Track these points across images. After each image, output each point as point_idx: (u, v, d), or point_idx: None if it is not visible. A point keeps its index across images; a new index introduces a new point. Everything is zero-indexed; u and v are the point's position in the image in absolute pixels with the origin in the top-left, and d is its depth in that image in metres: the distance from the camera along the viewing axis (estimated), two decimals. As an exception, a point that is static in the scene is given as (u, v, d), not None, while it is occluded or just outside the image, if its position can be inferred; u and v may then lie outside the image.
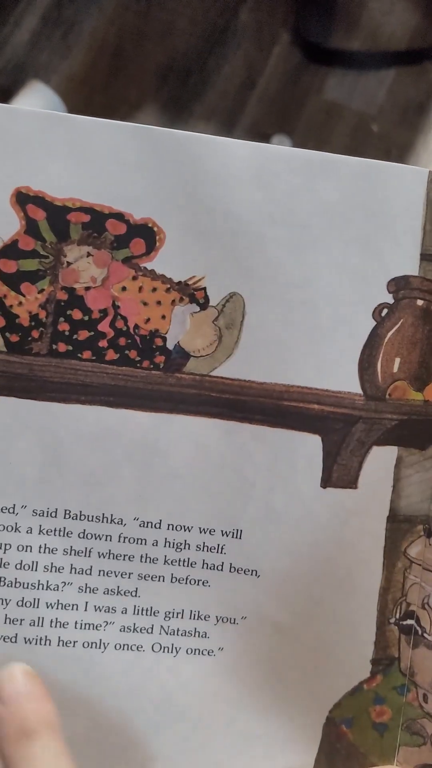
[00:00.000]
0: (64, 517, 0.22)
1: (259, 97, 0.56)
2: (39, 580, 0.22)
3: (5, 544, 0.22)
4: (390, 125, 0.55)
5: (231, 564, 0.23)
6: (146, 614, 0.22)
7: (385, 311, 0.22)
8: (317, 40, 0.55)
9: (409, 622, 0.24)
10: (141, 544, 0.22)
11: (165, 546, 0.22)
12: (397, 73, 0.56)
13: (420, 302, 0.22)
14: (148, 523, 0.22)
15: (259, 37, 0.56)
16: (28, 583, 0.22)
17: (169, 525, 0.22)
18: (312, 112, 0.55)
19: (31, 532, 0.22)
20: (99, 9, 0.56)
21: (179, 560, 0.22)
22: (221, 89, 0.55)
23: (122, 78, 0.56)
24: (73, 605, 0.22)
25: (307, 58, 0.56)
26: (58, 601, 0.22)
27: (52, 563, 0.22)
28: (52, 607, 0.22)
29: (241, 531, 0.22)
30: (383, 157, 0.55)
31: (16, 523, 0.22)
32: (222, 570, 0.22)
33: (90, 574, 0.22)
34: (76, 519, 0.22)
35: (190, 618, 0.23)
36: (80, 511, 0.22)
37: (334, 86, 0.56)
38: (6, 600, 0.22)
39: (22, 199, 0.20)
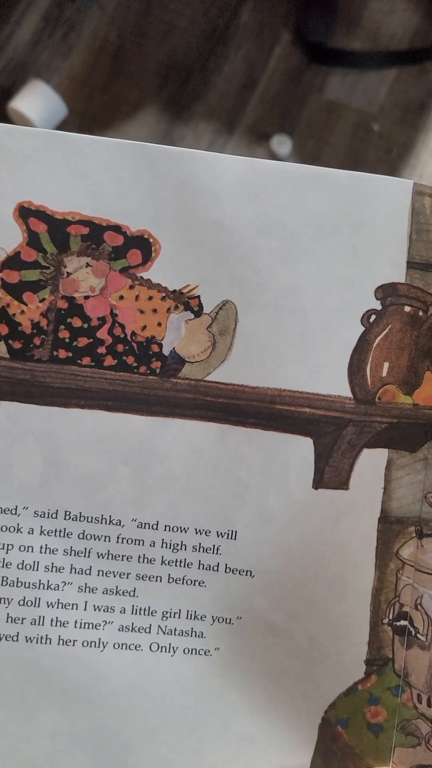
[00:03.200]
0: (65, 519, 0.24)
1: (260, 96, 0.58)
2: (40, 580, 0.24)
3: (7, 545, 0.23)
4: (391, 125, 0.57)
5: (226, 564, 0.24)
6: (144, 614, 0.24)
7: (373, 317, 0.24)
8: (318, 39, 0.57)
9: (403, 623, 0.25)
10: (139, 544, 0.24)
11: (162, 547, 0.24)
12: (398, 73, 0.58)
13: (407, 308, 0.24)
14: (145, 524, 0.24)
15: (260, 37, 0.58)
16: (29, 583, 0.24)
17: (165, 526, 0.24)
18: (313, 112, 0.57)
19: (32, 533, 0.24)
20: (100, 9, 0.58)
21: (176, 561, 0.24)
22: (222, 89, 0.58)
23: (123, 78, 0.58)
24: (73, 605, 0.24)
25: (308, 57, 0.58)
26: (59, 600, 0.24)
27: (52, 563, 0.24)
28: (53, 607, 0.24)
29: (235, 532, 0.24)
30: (384, 156, 0.57)
31: (17, 524, 0.23)
32: (217, 570, 0.24)
33: (89, 574, 0.24)
34: (76, 520, 0.24)
35: (187, 618, 0.24)
36: (80, 513, 0.24)
37: (335, 86, 0.58)
38: (8, 599, 0.23)
39: (25, 212, 0.23)
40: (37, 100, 0.55)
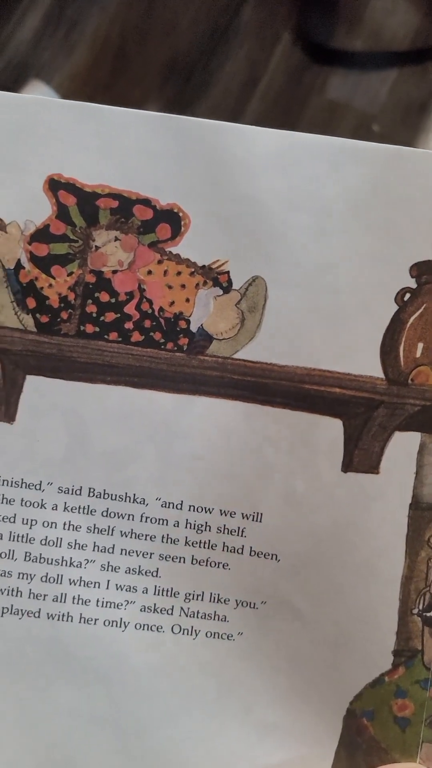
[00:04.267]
0: (89, 495, 0.24)
1: (261, 95, 0.58)
2: (63, 557, 0.24)
3: (31, 520, 0.24)
4: (392, 125, 0.57)
5: (251, 547, 0.24)
6: (167, 595, 0.24)
7: (407, 296, 0.23)
8: (320, 39, 0.58)
9: (433, 614, 0.25)
10: (162, 524, 0.24)
11: (186, 527, 0.24)
12: (399, 73, 0.58)
13: (443, 288, 0.24)
14: (169, 503, 0.24)
15: (262, 36, 0.59)
16: (52, 559, 0.24)
17: (190, 506, 0.24)
18: (314, 112, 0.58)
19: (56, 509, 0.24)
20: (101, 8, 0.59)
21: (200, 542, 0.24)
22: (223, 88, 0.58)
23: (125, 76, 0.58)
24: (95, 583, 0.24)
25: (310, 57, 0.58)
26: (81, 578, 0.24)
27: (75, 540, 0.24)
28: (75, 584, 0.24)
29: (261, 514, 0.24)
30: None
31: (42, 500, 0.24)
32: (242, 553, 0.24)
33: (112, 552, 0.24)
34: (100, 497, 0.24)
35: (210, 601, 0.24)
36: (104, 490, 0.24)
37: (336, 86, 0.58)
38: (31, 575, 0.24)
39: (54, 185, 0.23)
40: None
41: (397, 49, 0.58)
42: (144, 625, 0.24)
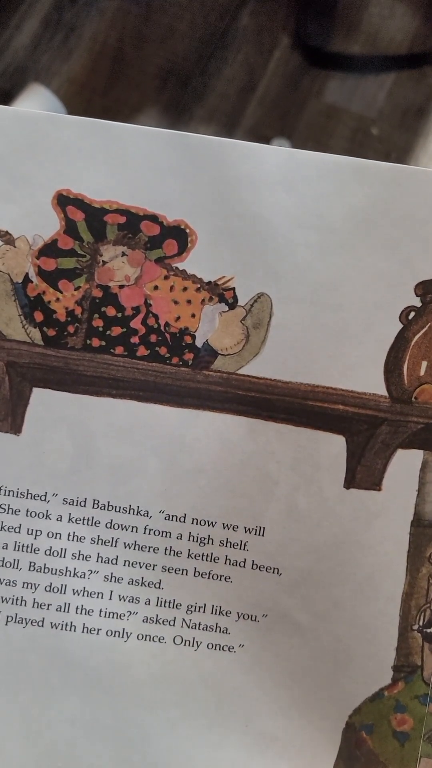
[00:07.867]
0: (93, 507, 0.24)
1: (259, 100, 0.59)
2: (67, 567, 0.24)
3: (36, 530, 0.24)
4: (390, 128, 0.57)
5: (253, 561, 0.25)
6: (169, 606, 0.25)
7: (412, 314, 0.24)
8: (317, 43, 0.59)
9: (434, 630, 0.25)
10: (166, 536, 0.25)
11: (189, 540, 0.25)
12: (397, 77, 0.58)
13: (448, 306, 0.24)
14: (173, 516, 0.24)
15: (260, 41, 0.59)
16: (56, 569, 0.24)
17: (193, 519, 0.25)
18: (312, 115, 0.58)
19: (60, 520, 0.24)
20: (99, 13, 0.59)
21: (202, 555, 0.25)
22: (221, 92, 0.59)
23: (123, 81, 0.59)
24: (98, 593, 0.24)
25: (307, 61, 0.59)
26: (84, 588, 0.24)
27: (79, 551, 0.24)
28: (79, 594, 0.24)
29: (263, 528, 0.25)
30: (383, 160, 0.57)
31: (47, 511, 0.24)
32: (244, 567, 0.25)
33: (116, 563, 0.24)
34: (104, 509, 0.24)
35: (212, 613, 0.25)
36: (108, 502, 0.24)
37: (334, 90, 0.58)
38: (35, 584, 0.24)
39: (63, 200, 0.23)
40: (36, 104, 0.57)
41: (395, 53, 0.59)
42: (146, 635, 0.25)
